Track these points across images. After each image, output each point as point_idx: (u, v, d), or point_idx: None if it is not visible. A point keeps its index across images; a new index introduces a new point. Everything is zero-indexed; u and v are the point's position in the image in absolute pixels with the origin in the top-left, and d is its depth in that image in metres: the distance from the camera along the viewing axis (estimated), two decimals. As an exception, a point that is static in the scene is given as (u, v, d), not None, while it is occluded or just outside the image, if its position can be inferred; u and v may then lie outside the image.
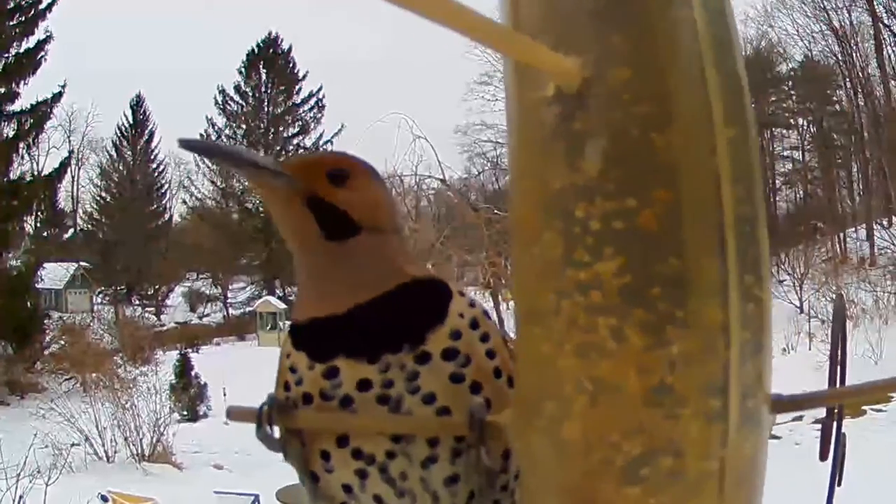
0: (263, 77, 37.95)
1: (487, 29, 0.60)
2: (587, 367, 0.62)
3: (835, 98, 32.31)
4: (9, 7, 21.88)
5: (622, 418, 0.62)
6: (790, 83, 34.05)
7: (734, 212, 0.63)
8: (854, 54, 30.11)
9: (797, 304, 22.43)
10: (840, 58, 30.72)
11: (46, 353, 20.22)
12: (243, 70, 38.04)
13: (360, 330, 0.79)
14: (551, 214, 0.64)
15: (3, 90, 22.21)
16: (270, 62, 37.91)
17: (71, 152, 30.72)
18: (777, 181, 35.11)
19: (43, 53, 22.79)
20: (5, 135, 22.20)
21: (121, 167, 38.53)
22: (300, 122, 38.24)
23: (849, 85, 31.09)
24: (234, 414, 0.86)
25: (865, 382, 0.78)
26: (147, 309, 35.55)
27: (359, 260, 0.82)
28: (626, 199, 0.62)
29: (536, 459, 0.67)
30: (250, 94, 38.11)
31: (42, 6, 22.80)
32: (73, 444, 11.75)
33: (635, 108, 0.62)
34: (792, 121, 34.76)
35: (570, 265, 0.63)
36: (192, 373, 17.37)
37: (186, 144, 0.76)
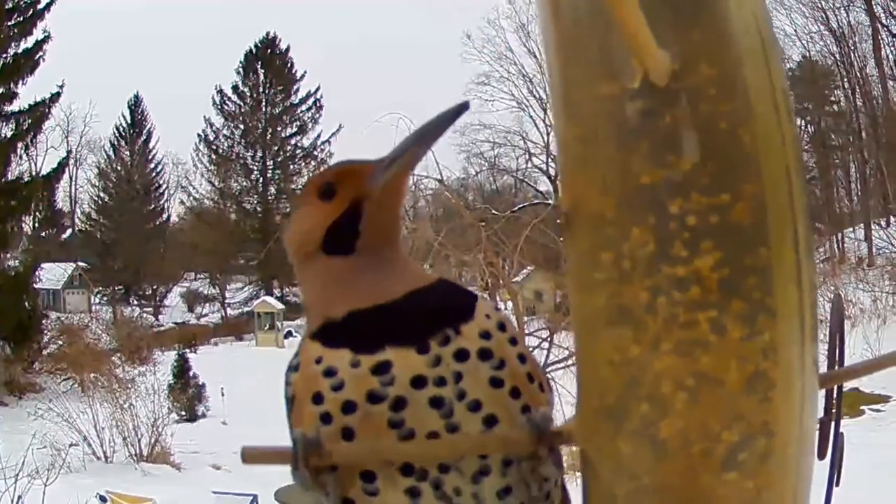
0: (261, 77, 37.90)
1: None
2: (688, 364, 0.63)
3: (833, 98, 32.29)
4: (7, 7, 21.83)
5: (723, 409, 0.63)
6: (788, 83, 34.01)
7: (801, 202, 0.65)
8: (852, 54, 30.12)
9: (795, 303, 22.40)
10: (838, 58, 30.73)
11: (45, 353, 20.16)
12: (241, 70, 38.01)
13: (407, 317, 0.75)
14: (640, 210, 0.64)
15: (1, 90, 22.16)
16: (268, 62, 37.86)
17: (69, 152, 30.58)
18: (775, 181, 35.03)
19: (41, 53, 22.73)
20: (3, 135, 22.14)
21: (119, 167, 38.47)
22: (298, 122, 38.23)
23: (847, 85, 31.09)
24: (250, 456, 0.78)
25: (863, 360, 0.82)
26: (145, 309, 35.48)
27: (383, 265, 0.80)
28: (721, 194, 0.63)
29: (626, 463, 0.67)
30: (248, 93, 38.08)
31: (40, 6, 22.75)
32: (71, 445, 11.72)
33: (721, 103, 0.63)
34: (790, 121, 34.71)
35: (667, 261, 0.63)
36: (191, 373, 17.33)
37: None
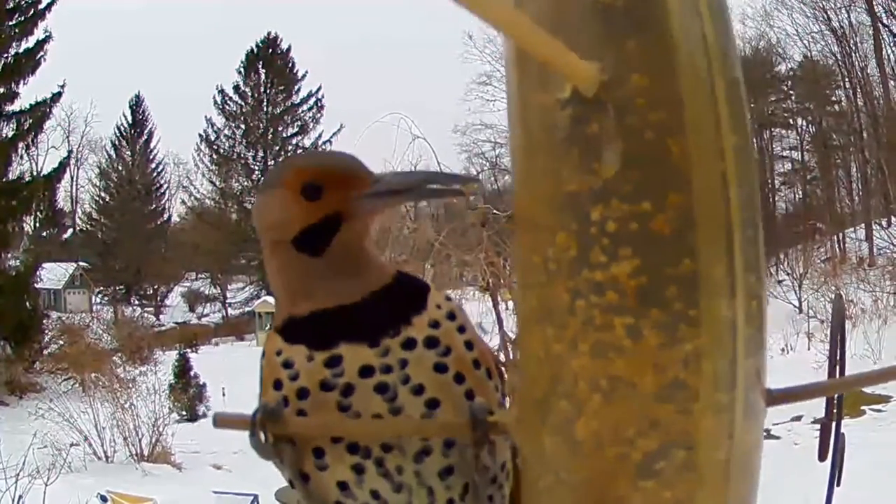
0: (262, 77, 37.95)
1: (516, 23, 0.61)
2: (603, 365, 0.64)
3: (834, 98, 32.32)
4: (8, 7, 21.85)
5: (638, 414, 0.64)
6: (789, 83, 34.06)
7: (740, 215, 0.65)
8: (853, 54, 30.13)
9: (796, 304, 22.44)
10: (839, 58, 30.75)
11: (45, 353, 20.18)
12: (242, 70, 38.05)
13: (364, 317, 0.80)
14: (565, 216, 0.66)
15: (2, 90, 22.19)
16: (269, 62, 37.91)
17: (70, 152, 30.65)
18: (776, 181, 35.13)
19: (42, 53, 22.76)
20: (4, 135, 22.17)
21: (120, 167, 38.53)
22: (299, 122, 38.28)
23: (848, 85, 31.11)
24: (222, 420, 0.84)
25: (859, 373, 0.82)
26: (146, 309, 35.54)
27: (347, 265, 0.83)
28: (642, 203, 0.63)
29: (548, 458, 0.68)
30: (249, 93, 38.13)
31: (41, 6, 22.77)
32: (72, 444, 11.73)
33: (651, 113, 0.64)
34: (791, 121, 34.76)
35: (586, 266, 0.64)
36: (191, 373, 17.35)
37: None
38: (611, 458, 0.64)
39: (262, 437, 0.80)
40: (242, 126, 38.00)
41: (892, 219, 27.15)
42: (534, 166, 0.69)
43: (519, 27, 0.62)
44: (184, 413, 16.04)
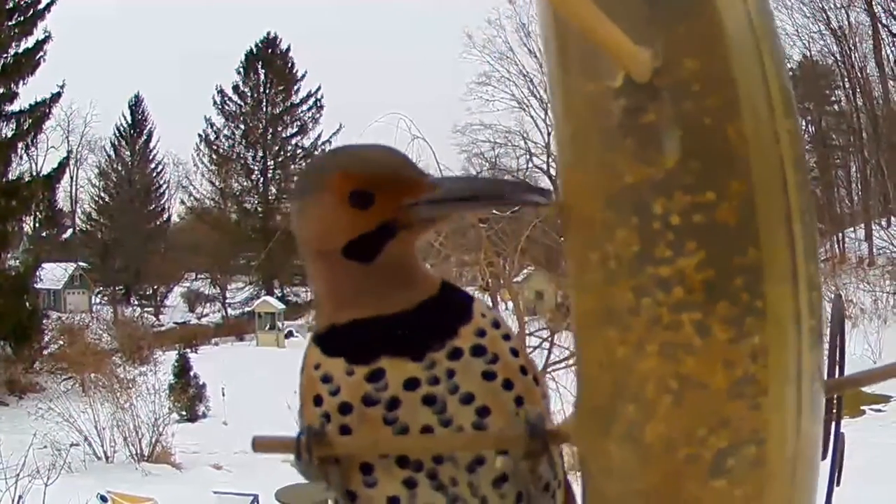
0: (262, 77, 37.92)
1: (578, 5, 0.60)
2: (672, 366, 0.62)
3: (833, 98, 32.30)
4: (8, 7, 21.83)
5: (709, 413, 0.62)
6: (789, 79, 34.00)
7: (798, 200, 0.63)
8: (853, 54, 30.12)
9: (796, 303, 22.39)
10: (839, 57, 30.74)
11: (45, 353, 20.17)
12: (242, 70, 38.03)
13: (408, 330, 0.76)
14: (624, 210, 0.63)
15: (1, 90, 22.17)
16: (269, 62, 37.88)
17: (69, 152, 30.61)
18: (776, 181, 35.05)
19: (42, 53, 22.75)
20: (4, 135, 22.16)
21: (119, 167, 38.48)
22: (299, 122, 38.24)
23: (847, 85, 31.09)
24: (261, 444, 0.79)
25: (858, 372, 0.80)
26: (146, 309, 35.49)
27: (395, 274, 0.78)
28: (706, 192, 0.61)
29: (615, 466, 0.66)
30: (249, 93, 38.09)
31: (41, 6, 22.76)
32: (72, 445, 11.73)
33: (706, 98, 0.62)
34: (790, 121, 34.70)
35: (650, 262, 0.62)
36: (191, 373, 17.33)
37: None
38: (681, 461, 0.63)
39: (308, 459, 0.76)
40: (242, 126, 37.96)
41: (892, 219, 27.13)
42: (584, 159, 0.67)
43: (579, 8, 0.59)
44: (184, 413, 16.03)
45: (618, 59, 0.62)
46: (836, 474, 0.88)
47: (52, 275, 29.71)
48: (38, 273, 22.94)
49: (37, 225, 27.85)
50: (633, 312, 0.63)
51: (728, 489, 0.62)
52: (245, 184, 38.21)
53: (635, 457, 0.64)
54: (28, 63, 22.48)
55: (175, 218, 40.02)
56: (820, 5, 30.16)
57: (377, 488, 0.77)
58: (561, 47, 0.68)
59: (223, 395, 15.96)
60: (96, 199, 38.12)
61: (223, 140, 38.24)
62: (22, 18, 22.55)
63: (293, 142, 38.18)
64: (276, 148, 37.99)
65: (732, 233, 0.61)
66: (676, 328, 0.62)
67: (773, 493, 0.63)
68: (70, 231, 37.19)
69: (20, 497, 7.75)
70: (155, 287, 37.51)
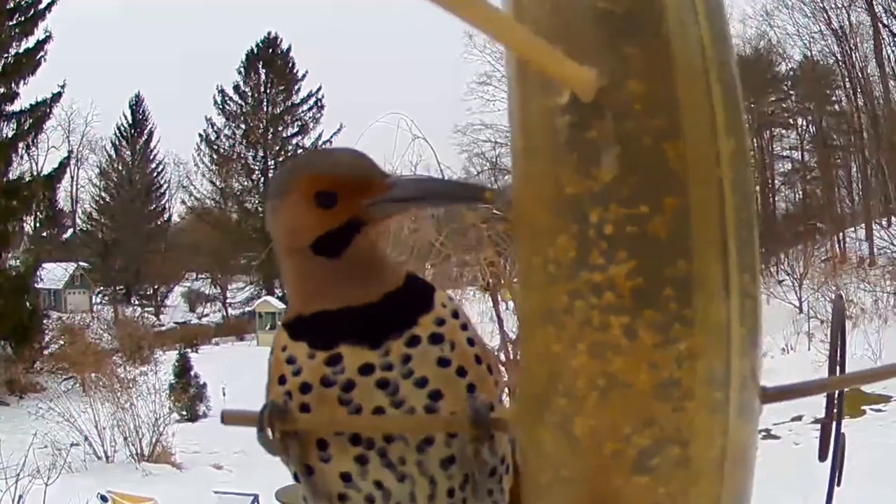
0: (262, 77, 37.97)
1: (512, 32, 0.63)
2: (600, 364, 0.65)
3: (834, 98, 32.32)
4: (8, 7, 21.86)
5: (633, 412, 0.65)
6: (789, 83, 34.05)
7: (735, 217, 0.66)
8: (853, 54, 30.12)
9: (796, 304, 22.43)
10: (839, 58, 30.74)
11: (46, 352, 20.21)
12: (242, 70, 38.07)
13: (368, 320, 0.81)
14: (565, 218, 0.67)
15: (2, 90, 22.19)
16: (270, 62, 37.93)
17: (70, 152, 30.72)
18: (776, 181, 35.14)
19: (42, 53, 22.79)
20: (4, 135, 22.19)
21: (120, 167, 38.56)
22: (299, 122, 38.31)
23: (848, 85, 31.10)
24: (229, 418, 0.85)
25: (854, 371, 0.83)
26: (146, 309, 35.56)
27: (361, 267, 0.84)
28: (640, 206, 0.65)
29: (546, 454, 0.70)
30: (249, 93, 38.16)
31: (41, 6, 22.79)
32: (72, 444, 11.74)
33: (648, 118, 0.65)
34: (791, 121, 34.77)
35: (585, 267, 0.66)
36: (192, 373, 17.36)
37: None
38: (607, 455, 0.66)
39: (270, 433, 0.81)
40: (242, 126, 38.02)
41: (892, 219, 27.14)
42: (534, 169, 0.70)
43: (514, 35, 0.63)
44: (184, 413, 16.04)
45: (561, 79, 0.66)
46: (837, 474, 0.88)
47: (53, 275, 29.75)
48: (38, 273, 22.97)
49: (37, 225, 27.89)
50: (567, 313, 0.67)
51: (652, 486, 0.65)
52: (246, 184, 38.28)
53: (566, 447, 0.68)
54: (28, 63, 22.52)
55: (176, 218, 40.19)
56: (821, 5, 30.18)
57: (331, 464, 0.82)
58: (518, 64, 0.71)
59: (224, 394, 15.96)
60: (97, 198, 38.20)
61: (224, 140, 38.34)
62: (22, 18, 22.58)
63: (294, 142, 38.24)
64: (277, 148, 38.04)
65: (663, 245, 0.64)
66: (605, 329, 0.65)
67: (699, 491, 0.66)
68: (70, 231, 37.26)
69: (20, 497, 7.76)
70: (155, 287, 37.57)
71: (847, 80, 30.99)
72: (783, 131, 35.25)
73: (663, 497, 0.65)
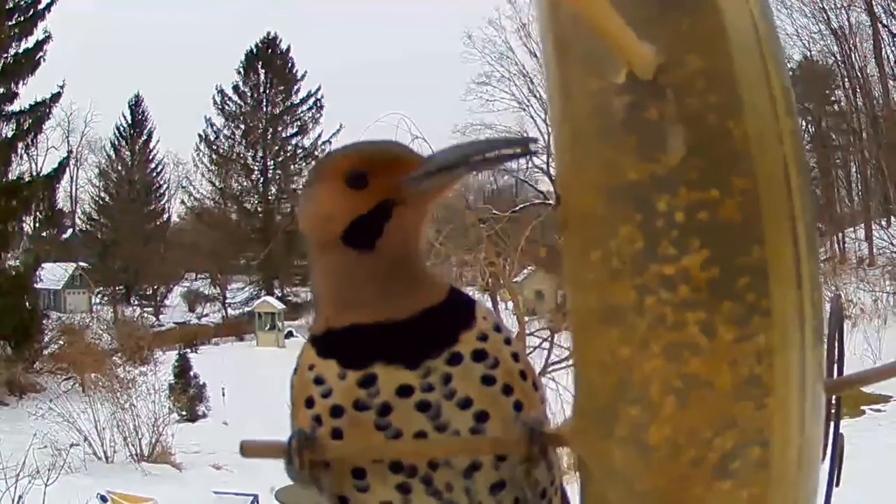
0: (262, 77, 37.90)
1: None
2: (677, 366, 0.61)
3: (833, 98, 32.28)
4: (8, 7, 21.82)
5: (715, 415, 0.61)
6: (789, 79, 33.98)
7: (801, 199, 0.62)
8: (853, 54, 30.10)
9: (796, 304, 22.36)
10: (839, 58, 30.71)
11: (45, 353, 20.15)
12: (242, 70, 38.01)
13: (407, 339, 0.74)
14: (627, 207, 0.62)
15: (1, 90, 22.17)
16: (269, 62, 37.86)
17: (69, 152, 30.65)
18: (776, 181, 35.05)
19: (42, 53, 22.74)
20: (4, 135, 22.15)
21: (119, 167, 38.46)
22: (299, 122, 38.20)
23: (847, 85, 31.07)
24: (249, 449, 0.79)
25: (855, 373, 0.80)
26: (146, 309, 35.46)
27: (398, 271, 0.77)
28: (710, 189, 0.60)
29: (617, 469, 0.65)
30: (249, 93, 38.06)
31: (41, 6, 22.76)
32: (72, 445, 11.71)
33: (709, 95, 0.61)
34: (791, 121, 34.69)
35: (654, 260, 0.61)
36: (191, 373, 17.32)
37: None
38: (686, 463, 0.62)
39: (298, 464, 0.75)
40: (242, 126, 37.91)
41: (892, 219, 27.11)
42: (585, 156, 0.66)
43: (589, 1, 0.59)
44: (184, 413, 16.00)
45: (622, 55, 0.62)
46: (836, 475, 0.88)
47: (53, 275, 29.68)
48: (38, 273, 22.90)
49: (37, 225, 27.79)
50: (636, 311, 0.62)
51: (733, 491, 0.62)
52: (245, 184, 38.18)
53: (639, 459, 0.63)
54: (28, 63, 22.47)
55: (175, 218, 40.05)
56: (820, 5, 30.16)
57: (370, 493, 0.76)
58: (561, 45, 0.67)
59: (223, 395, 15.95)
60: (96, 199, 38.13)
61: (223, 140, 38.24)
62: (22, 18, 22.54)
63: (293, 142, 38.17)
64: (276, 148, 37.96)
65: (737, 231, 0.60)
66: (681, 328, 0.61)
67: (778, 494, 0.63)
68: (70, 231, 37.16)
69: (20, 497, 7.76)
70: (155, 287, 37.49)
71: (847, 80, 30.97)
72: (783, 131, 35.17)
73: (744, 501, 0.62)
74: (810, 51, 31.78)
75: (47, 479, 8.29)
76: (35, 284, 22.24)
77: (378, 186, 0.76)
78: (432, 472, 0.74)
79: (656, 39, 0.62)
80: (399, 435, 0.74)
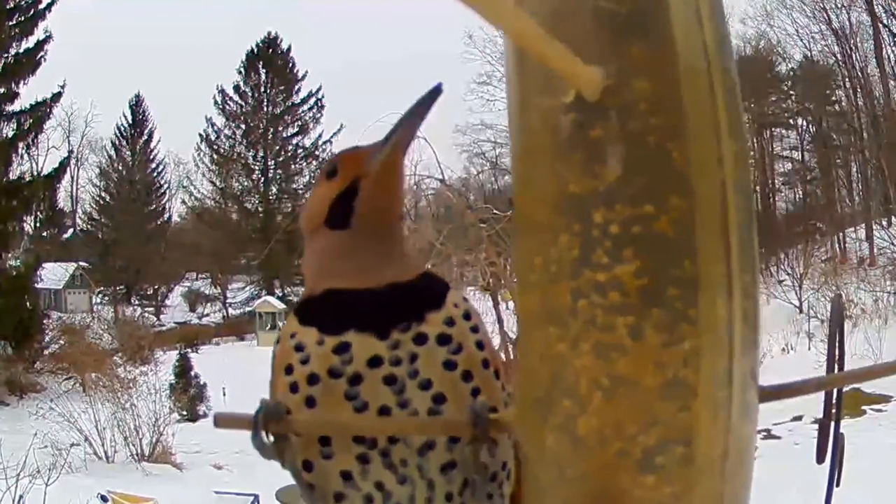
0: (263, 77, 37.95)
1: (523, 27, 0.62)
2: (604, 364, 0.65)
3: (834, 98, 32.31)
4: (8, 7, 21.86)
5: (639, 412, 0.65)
6: (789, 83, 34.05)
7: (736, 218, 0.66)
8: (853, 54, 30.12)
9: (796, 303, 22.44)
10: (839, 58, 30.75)
11: (46, 353, 20.21)
12: (242, 70, 38.05)
13: (376, 306, 0.80)
14: (568, 217, 0.66)
15: (2, 90, 22.20)
16: (270, 62, 37.91)
17: (70, 152, 30.78)
18: (776, 181, 35.14)
19: (42, 53, 22.79)
20: (5, 135, 22.20)
21: (120, 167, 38.55)
22: (299, 122, 38.26)
23: (848, 85, 31.10)
24: (222, 420, 0.83)
25: (850, 370, 0.84)
26: (146, 309, 35.55)
27: (376, 248, 0.85)
28: (645, 206, 0.64)
29: (550, 456, 0.69)
30: (249, 93, 38.12)
31: (42, 6, 22.80)
32: (72, 444, 11.74)
33: (652, 118, 0.65)
34: (791, 121, 34.77)
35: (588, 267, 0.66)
36: (192, 373, 17.37)
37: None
38: (612, 454, 0.66)
39: (264, 436, 0.79)
40: (242, 126, 37.98)
41: (893, 219, 27.13)
42: (535, 168, 0.70)
43: (525, 31, 0.62)
44: (184, 413, 16.05)
45: (568, 78, 0.65)
46: (837, 475, 0.88)
47: (53, 274, 29.75)
48: (38, 273, 22.97)
49: (37, 225, 27.87)
50: (570, 312, 0.66)
51: (657, 484, 0.65)
52: (246, 184, 38.25)
53: (569, 447, 0.67)
54: (29, 63, 22.52)
55: (176, 218, 40.13)
56: (821, 5, 30.19)
57: (333, 461, 0.81)
58: (519, 60, 0.71)
59: (224, 394, 15.98)
60: (97, 198, 38.20)
61: (224, 140, 38.30)
62: (22, 18, 22.58)
63: (294, 142, 38.23)
64: (277, 148, 38.03)
65: (670, 245, 0.64)
66: (610, 329, 0.65)
67: (703, 489, 0.66)
68: (71, 231, 37.22)
69: (21, 497, 7.77)
70: (156, 287, 37.56)
71: (847, 80, 31.00)
72: (783, 131, 35.25)
73: (668, 496, 0.65)
74: (811, 51, 31.86)
75: (48, 479, 8.31)
76: (36, 284, 22.30)
77: (346, 172, 0.86)
78: (390, 447, 0.79)
79: (606, 63, 0.65)
80: (365, 407, 0.79)
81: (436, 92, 0.83)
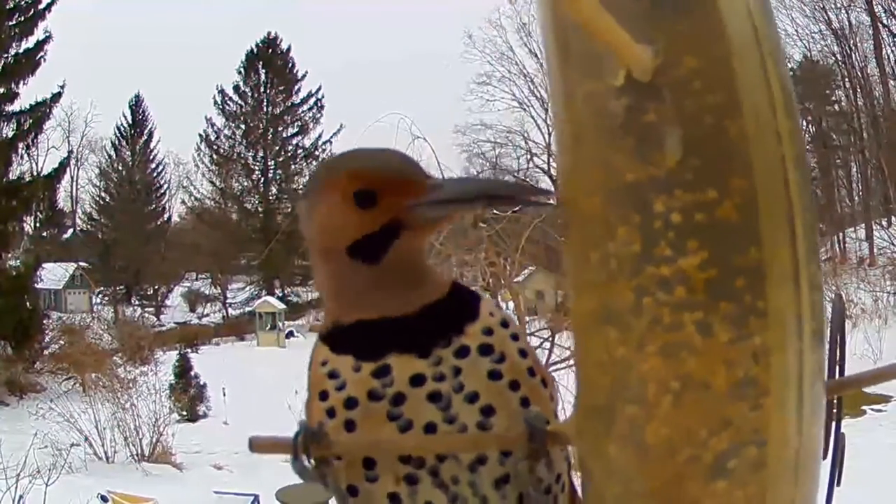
0: (262, 77, 37.90)
1: (580, 3, 0.59)
2: (673, 366, 0.61)
3: (834, 98, 32.28)
4: (8, 7, 21.83)
5: (710, 414, 0.61)
6: (790, 78, 33.97)
7: (799, 199, 0.62)
8: (853, 54, 30.10)
9: (796, 304, 22.36)
10: (839, 58, 30.72)
11: (46, 353, 20.15)
12: (242, 70, 38.00)
13: (414, 329, 0.76)
14: (626, 209, 0.62)
15: (2, 90, 22.17)
16: (269, 62, 37.85)
17: (70, 152, 30.69)
18: (776, 181, 35.04)
19: (42, 53, 22.74)
20: (4, 135, 22.16)
21: (120, 167, 38.49)
22: (299, 122, 38.20)
23: (848, 85, 31.08)
24: (258, 445, 0.79)
25: (857, 373, 0.80)
26: (146, 309, 35.49)
27: (402, 275, 0.79)
28: (707, 190, 0.60)
29: (614, 467, 0.65)
30: (249, 94, 38.07)
31: (41, 6, 22.76)
32: (72, 445, 11.71)
33: (707, 96, 0.61)
34: (791, 121, 34.68)
35: (651, 261, 0.61)
36: (192, 373, 17.32)
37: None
38: (682, 462, 0.62)
39: (305, 460, 0.76)
40: (242, 126, 37.91)
41: (893, 219, 27.11)
42: (586, 158, 0.66)
43: (582, 4, 0.59)
44: (184, 413, 16.00)
45: (620, 57, 0.62)
46: (837, 475, 0.88)
47: (53, 275, 29.69)
48: (38, 273, 22.91)
49: (37, 225, 27.83)
50: (633, 312, 0.62)
51: (729, 490, 0.62)
52: (246, 184, 38.19)
53: (636, 458, 0.63)
54: (28, 63, 22.48)
55: (176, 218, 40.07)
56: (820, 5, 30.15)
57: (378, 483, 0.77)
58: (562, 47, 0.68)
59: (224, 394, 15.94)
60: (97, 199, 38.15)
61: (224, 140, 38.24)
62: (22, 18, 22.54)
63: (294, 142, 38.17)
64: (277, 148, 37.96)
65: (734, 232, 0.60)
66: (678, 328, 0.61)
67: (776, 493, 0.63)
68: (71, 231, 37.18)
69: (21, 497, 7.75)
70: (156, 287, 37.50)
71: (847, 80, 30.97)
72: (783, 131, 35.17)
73: (741, 501, 0.62)
74: (810, 51, 31.82)
75: (48, 479, 8.29)
76: (35, 284, 22.24)
77: (387, 207, 0.77)
78: (439, 465, 0.75)
79: (654, 41, 0.62)
80: (410, 425, 0.75)
81: (539, 194, 0.76)
